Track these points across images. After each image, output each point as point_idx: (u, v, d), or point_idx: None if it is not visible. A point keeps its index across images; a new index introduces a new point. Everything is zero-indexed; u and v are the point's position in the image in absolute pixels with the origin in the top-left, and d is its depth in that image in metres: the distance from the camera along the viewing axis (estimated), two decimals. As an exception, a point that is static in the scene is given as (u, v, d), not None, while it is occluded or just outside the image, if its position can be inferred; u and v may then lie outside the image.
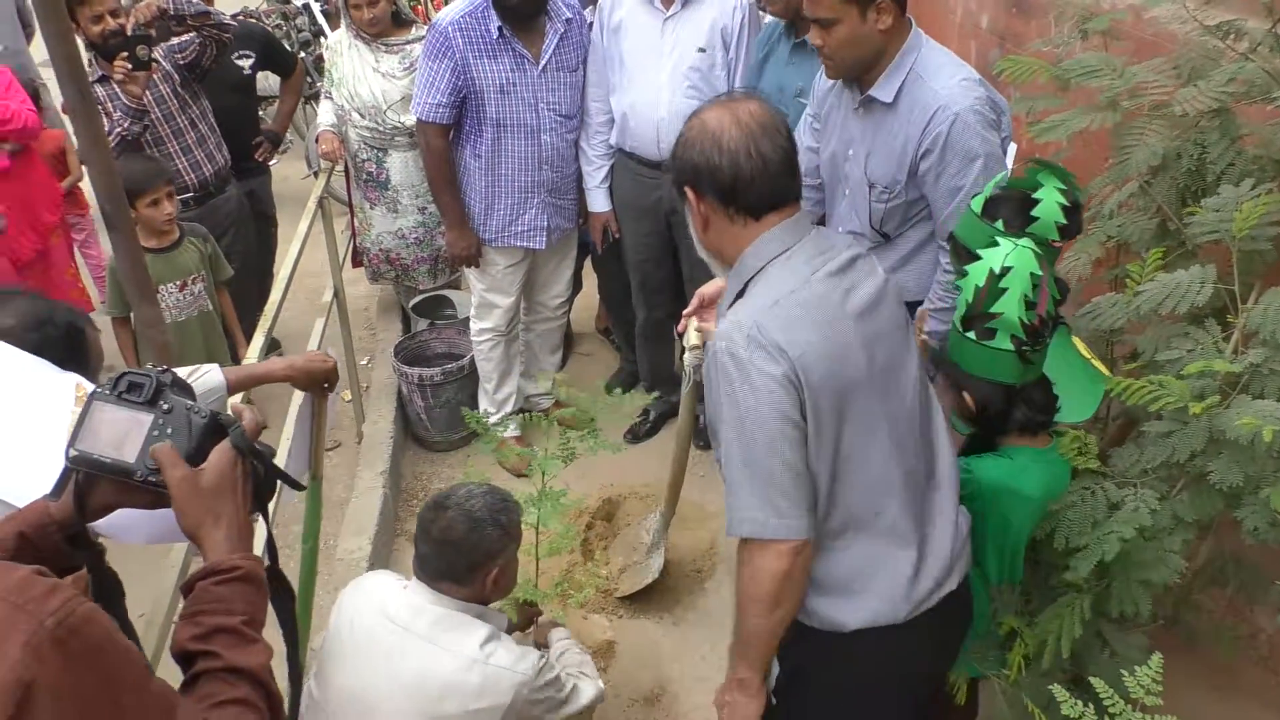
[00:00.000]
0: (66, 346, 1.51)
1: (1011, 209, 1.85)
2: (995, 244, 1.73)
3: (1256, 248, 1.89)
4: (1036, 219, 1.81)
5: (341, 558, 3.02)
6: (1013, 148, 3.54)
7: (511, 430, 3.74)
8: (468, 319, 3.92)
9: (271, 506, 1.38)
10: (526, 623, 2.50)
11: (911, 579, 1.65)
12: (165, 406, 1.01)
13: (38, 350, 1.42)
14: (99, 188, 1.84)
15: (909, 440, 1.65)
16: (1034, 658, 1.92)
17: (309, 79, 6.20)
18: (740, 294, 1.63)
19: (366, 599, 1.93)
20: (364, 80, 3.70)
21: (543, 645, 2.31)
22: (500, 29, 3.03)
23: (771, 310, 1.53)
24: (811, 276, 1.57)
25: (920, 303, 2.48)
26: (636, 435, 3.88)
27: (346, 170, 4.11)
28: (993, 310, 1.70)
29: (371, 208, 3.98)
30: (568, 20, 3.16)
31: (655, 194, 3.33)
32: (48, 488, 1.01)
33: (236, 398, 1.14)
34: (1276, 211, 1.85)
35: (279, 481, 1.14)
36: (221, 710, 0.93)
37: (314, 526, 2.40)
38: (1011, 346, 1.72)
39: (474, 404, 3.81)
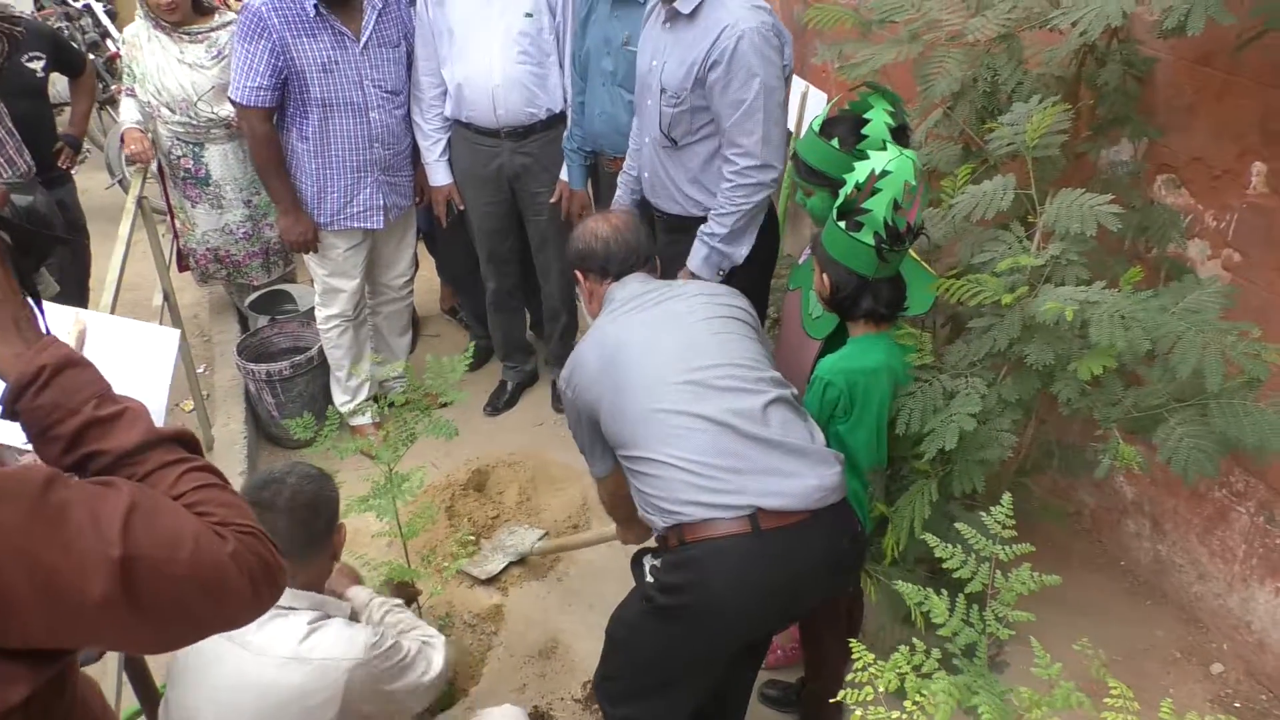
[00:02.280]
0: None
1: (845, 128, 2.04)
2: (883, 149, 1.92)
3: (1047, 154, 2.12)
4: (866, 137, 1.98)
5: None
6: (822, 96, 3.77)
7: (368, 417, 3.70)
8: (310, 311, 3.84)
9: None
10: (408, 601, 2.49)
11: (697, 490, 1.80)
12: None
13: None
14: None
15: (701, 392, 1.89)
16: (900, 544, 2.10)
17: (101, 82, 5.86)
18: None
19: None
20: (170, 73, 3.54)
21: (340, 595, 2.07)
22: (316, 7, 2.97)
23: (579, 349, 2.10)
24: (629, 301, 2.10)
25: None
26: (496, 407, 3.91)
27: (160, 170, 3.93)
28: (864, 206, 1.85)
29: (194, 206, 3.82)
30: (385, -3, 3.13)
31: (495, 162, 3.35)
32: None
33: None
34: (1061, 121, 2.08)
35: (49, 248, 0.96)
36: (156, 478, 0.86)
37: None
38: (872, 242, 1.88)
39: (326, 395, 3.74)
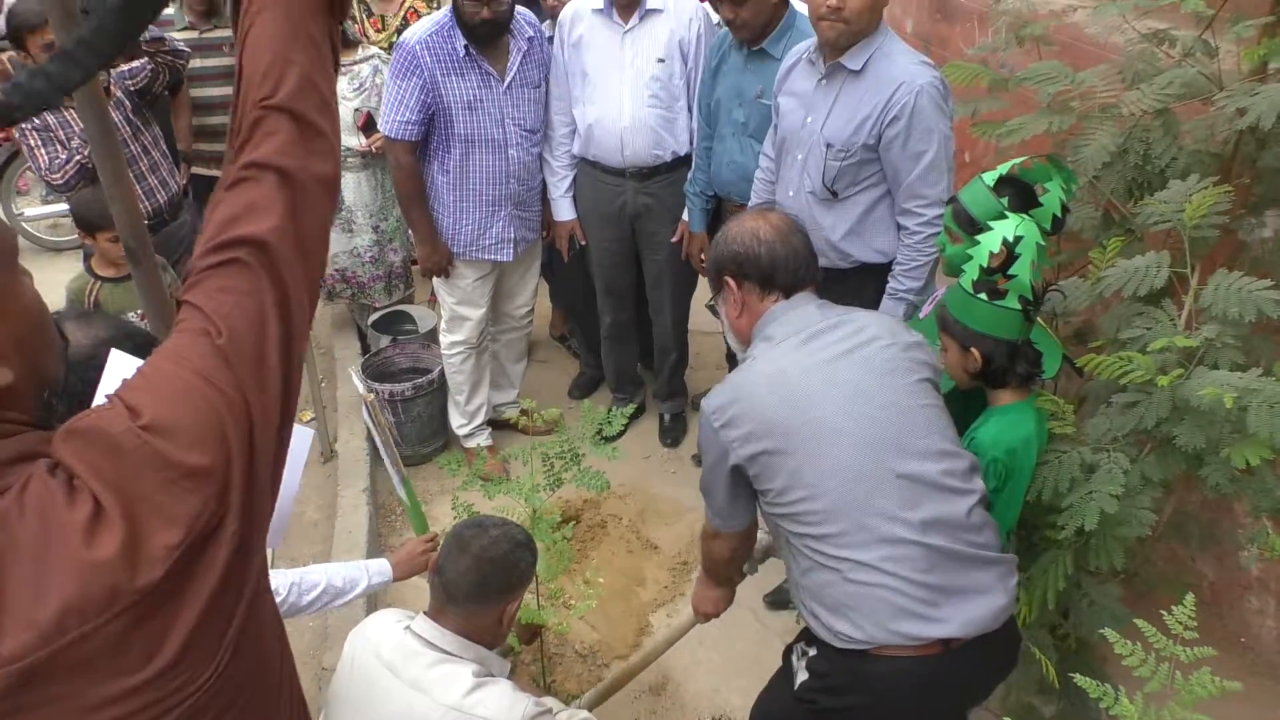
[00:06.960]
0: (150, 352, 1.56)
1: (1016, 191, 2.07)
2: (1004, 217, 1.95)
3: (1203, 235, 2.12)
4: (1039, 205, 2.02)
5: (336, 576, 3.04)
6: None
7: (484, 439, 3.81)
8: (429, 333, 3.97)
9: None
10: (531, 638, 2.55)
11: (902, 615, 1.71)
12: None
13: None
14: (123, 224, 1.85)
15: (919, 492, 1.75)
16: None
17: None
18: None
19: (365, 641, 1.87)
20: (316, 101, 3.70)
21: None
22: (466, 47, 3.10)
23: (742, 380, 1.85)
24: (803, 332, 1.86)
25: (888, 265, 2.77)
26: (606, 438, 3.98)
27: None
28: (1009, 273, 1.89)
29: (326, 227, 3.99)
30: (530, 39, 3.25)
31: (619, 200, 3.45)
32: None
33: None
34: (1222, 203, 2.07)
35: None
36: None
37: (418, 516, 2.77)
38: (1018, 306, 1.92)
39: (444, 416, 3.86)
